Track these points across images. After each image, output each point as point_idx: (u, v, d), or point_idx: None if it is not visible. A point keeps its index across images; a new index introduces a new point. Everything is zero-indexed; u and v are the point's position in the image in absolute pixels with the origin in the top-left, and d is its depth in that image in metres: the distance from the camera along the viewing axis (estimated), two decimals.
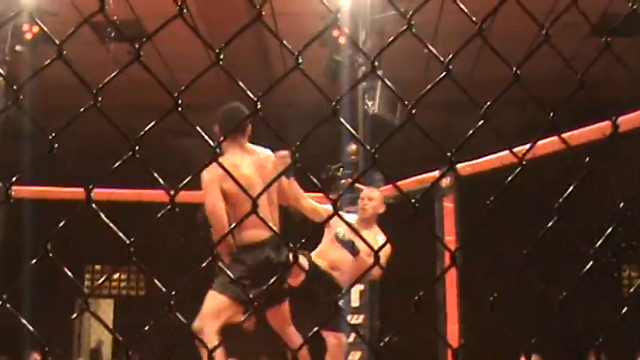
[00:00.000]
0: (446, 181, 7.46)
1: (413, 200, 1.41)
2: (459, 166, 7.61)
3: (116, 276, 16.33)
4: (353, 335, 8.12)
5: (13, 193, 1.35)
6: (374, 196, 6.75)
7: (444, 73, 1.40)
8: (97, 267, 16.64)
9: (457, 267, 1.47)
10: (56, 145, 1.35)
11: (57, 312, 11.29)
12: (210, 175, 5.17)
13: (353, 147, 8.74)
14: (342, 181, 8.41)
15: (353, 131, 1.41)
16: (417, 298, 1.36)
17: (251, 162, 5.42)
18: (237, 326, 5.28)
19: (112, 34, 10.46)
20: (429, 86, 1.39)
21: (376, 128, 8.78)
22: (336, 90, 8.59)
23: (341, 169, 8.54)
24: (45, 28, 1.38)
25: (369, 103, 8.82)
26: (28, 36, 10.05)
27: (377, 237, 7.00)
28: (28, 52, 10.04)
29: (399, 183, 8.10)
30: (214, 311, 5.13)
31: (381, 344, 1.29)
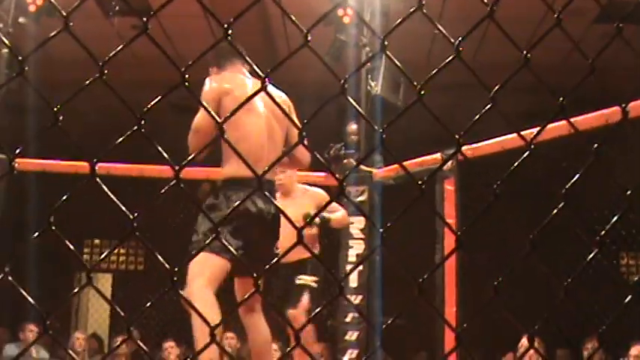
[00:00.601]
0: (447, 164, 7.46)
1: (420, 182, 1.40)
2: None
3: (115, 250, 16.36)
4: (350, 315, 8.16)
5: (16, 165, 1.34)
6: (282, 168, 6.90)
7: (454, 54, 1.39)
8: (97, 241, 16.67)
9: (460, 250, 1.47)
10: (61, 118, 1.34)
11: (56, 285, 11.31)
12: (211, 86, 4.66)
13: (353, 126, 8.73)
14: (345, 160, 8.41)
15: (361, 111, 1.40)
16: (421, 280, 1.36)
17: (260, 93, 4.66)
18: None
19: (117, 8, 10.40)
20: (438, 67, 1.38)
21: (379, 109, 8.75)
22: (340, 69, 8.52)
23: (343, 148, 8.54)
24: (87, 48, 1.36)
25: (372, 84, 8.80)
26: (32, 8, 10.00)
27: (302, 200, 7.04)
28: (31, 25, 9.99)
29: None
30: (199, 271, 4.35)
31: (384, 326, 1.29)
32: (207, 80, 4.75)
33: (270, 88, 4.88)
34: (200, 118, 4.60)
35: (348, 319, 8.20)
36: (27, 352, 9.55)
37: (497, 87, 1.41)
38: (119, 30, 10.96)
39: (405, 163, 8.18)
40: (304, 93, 9.26)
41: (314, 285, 7.09)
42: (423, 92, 1.35)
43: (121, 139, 1.39)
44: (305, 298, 7.01)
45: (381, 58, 8.66)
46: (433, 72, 1.39)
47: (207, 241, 4.21)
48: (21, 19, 9.90)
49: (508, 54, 1.53)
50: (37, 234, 1.36)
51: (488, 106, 1.39)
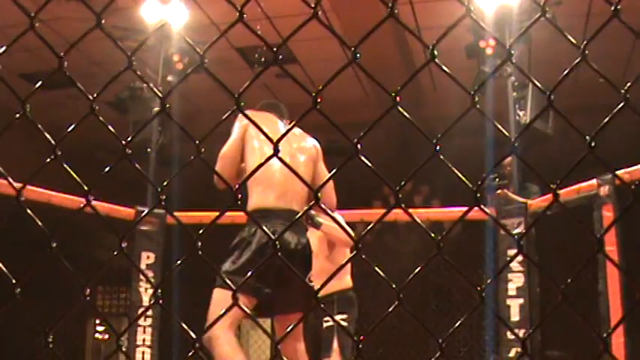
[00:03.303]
0: (604, 190, 7.23)
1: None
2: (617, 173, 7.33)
3: None
4: (514, 349, 7.97)
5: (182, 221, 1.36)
6: None
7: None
8: None
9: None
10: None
11: (195, 303, 11.43)
12: (241, 120, 4.67)
13: (508, 158, 8.59)
14: (498, 191, 8.28)
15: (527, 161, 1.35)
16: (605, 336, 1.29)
17: (289, 135, 4.51)
18: None
19: (262, 59, 10.54)
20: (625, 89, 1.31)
21: (529, 138, 8.58)
22: (484, 101, 8.39)
23: (496, 179, 8.43)
24: (219, 79, 1.38)
25: (521, 113, 8.64)
26: (179, 66, 10.34)
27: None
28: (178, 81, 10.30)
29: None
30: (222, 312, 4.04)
31: None
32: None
33: (301, 131, 4.81)
34: (226, 145, 4.67)
35: (511, 354, 8.02)
36: None
37: None
38: (264, 80, 11.16)
39: (561, 192, 7.97)
40: (444, 127, 9.17)
41: (344, 324, 6.36)
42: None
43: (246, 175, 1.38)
44: (335, 342, 6.34)
45: (529, 87, 8.52)
46: (618, 107, 1.31)
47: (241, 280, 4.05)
48: (169, 77, 10.26)
49: None
50: (180, 261, 1.37)
51: None
